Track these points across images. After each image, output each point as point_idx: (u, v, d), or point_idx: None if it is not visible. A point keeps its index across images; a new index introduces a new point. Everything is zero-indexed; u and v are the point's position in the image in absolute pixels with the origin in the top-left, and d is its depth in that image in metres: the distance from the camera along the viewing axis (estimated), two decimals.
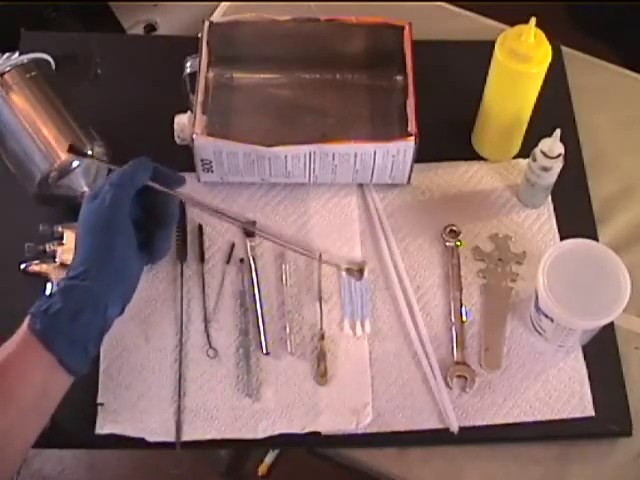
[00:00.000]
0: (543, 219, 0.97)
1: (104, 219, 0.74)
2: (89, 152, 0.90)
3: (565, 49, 1.10)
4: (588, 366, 0.88)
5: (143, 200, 0.79)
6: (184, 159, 0.93)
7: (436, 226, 0.96)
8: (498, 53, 0.89)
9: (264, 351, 0.88)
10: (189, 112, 0.93)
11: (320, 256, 0.93)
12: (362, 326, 0.89)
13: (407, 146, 0.91)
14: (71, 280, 0.72)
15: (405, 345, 0.89)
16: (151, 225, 0.80)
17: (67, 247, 0.89)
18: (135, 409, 0.85)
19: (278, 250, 0.93)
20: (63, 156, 0.89)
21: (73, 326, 0.69)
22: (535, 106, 0.94)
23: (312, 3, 1.10)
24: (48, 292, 0.88)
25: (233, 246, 0.94)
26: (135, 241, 0.77)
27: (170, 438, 0.84)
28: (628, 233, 0.98)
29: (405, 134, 0.91)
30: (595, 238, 0.95)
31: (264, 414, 0.85)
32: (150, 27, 1.63)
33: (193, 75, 0.95)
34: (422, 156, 0.93)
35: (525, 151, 0.98)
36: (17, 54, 0.99)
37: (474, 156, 1.01)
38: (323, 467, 1.03)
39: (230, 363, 0.88)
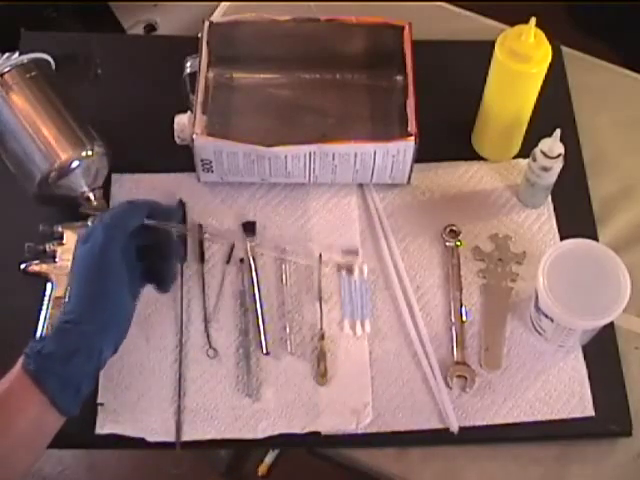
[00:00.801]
0: (543, 219, 0.97)
1: (96, 262, 0.73)
2: (89, 152, 0.90)
3: (565, 49, 1.10)
4: (588, 366, 0.88)
5: (143, 234, 0.78)
6: (184, 159, 0.94)
7: (436, 226, 0.96)
8: (498, 53, 0.89)
9: (264, 351, 0.88)
10: (189, 112, 0.93)
11: (320, 256, 0.93)
12: (362, 326, 0.89)
13: (407, 146, 0.91)
14: (65, 324, 0.72)
15: (405, 345, 0.89)
16: (154, 256, 0.79)
17: (67, 247, 0.89)
18: (135, 409, 0.85)
19: (278, 250, 0.93)
20: (63, 156, 0.89)
21: (66, 368, 0.69)
22: (535, 106, 0.94)
23: (312, 3, 1.10)
24: (47, 297, 0.88)
25: (233, 246, 0.94)
26: (127, 282, 0.75)
27: (170, 438, 0.84)
28: (628, 233, 0.98)
29: (405, 134, 0.91)
30: (595, 238, 0.95)
31: (264, 414, 0.85)
32: (150, 27, 1.63)
33: (193, 75, 0.95)
34: (422, 156, 0.93)
35: (525, 151, 0.98)
36: (17, 54, 0.98)
37: (474, 156, 1.01)
38: (323, 467, 1.03)
39: (230, 363, 0.88)
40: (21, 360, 0.70)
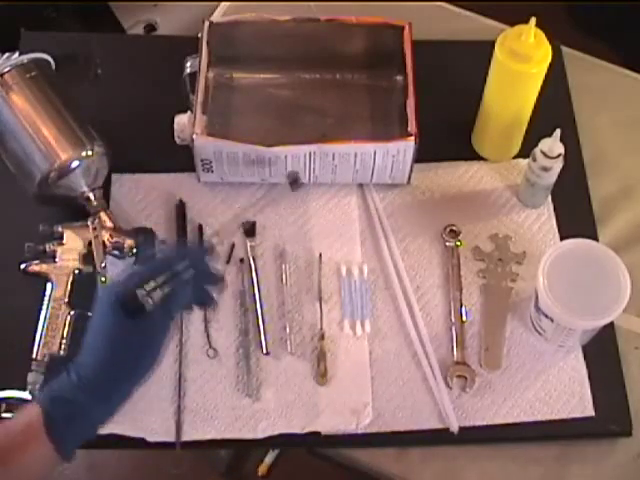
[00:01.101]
0: (543, 219, 0.97)
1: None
2: (89, 152, 0.90)
3: (565, 49, 1.10)
4: (588, 366, 0.88)
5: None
6: (184, 159, 0.94)
7: (436, 226, 0.96)
8: (498, 53, 0.88)
9: (264, 351, 0.88)
10: (189, 112, 0.93)
11: (320, 256, 0.93)
12: (362, 326, 0.89)
13: (407, 146, 0.91)
14: (77, 382, 0.67)
15: (405, 345, 0.89)
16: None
17: (67, 247, 0.89)
18: (135, 409, 0.85)
19: (278, 250, 0.94)
20: (63, 156, 0.89)
21: (70, 427, 0.67)
22: (535, 106, 0.94)
23: (312, 3, 1.10)
24: (47, 297, 0.88)
25: (233, 246, 0.94)
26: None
27: (170, 438, 0.84)
28: (628, 233, 0.98)
29: (405, 134, 0.91)
30: (595, 238, 0.95)
31: (264, 414, 0.85)
32: (150, 27, 1.63)
33: (193, 75, 0.95)
34: (422, 156, 0.93)
35: (525, 151, 0.98)
36: (17, 54, 0.99)
37: (474, 156, 1.01)
38: (323, 467, 1.03)
39: (230, 363, 0.88)
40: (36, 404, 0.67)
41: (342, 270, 0.92)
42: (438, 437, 0.85)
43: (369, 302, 0.91)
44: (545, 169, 0.91)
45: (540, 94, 0.92)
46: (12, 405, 0.83)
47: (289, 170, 0.93)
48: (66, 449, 0.66)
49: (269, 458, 1.52)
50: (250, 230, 0.94)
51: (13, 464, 0.65)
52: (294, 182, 0.93)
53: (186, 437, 0.84)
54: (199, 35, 0.97)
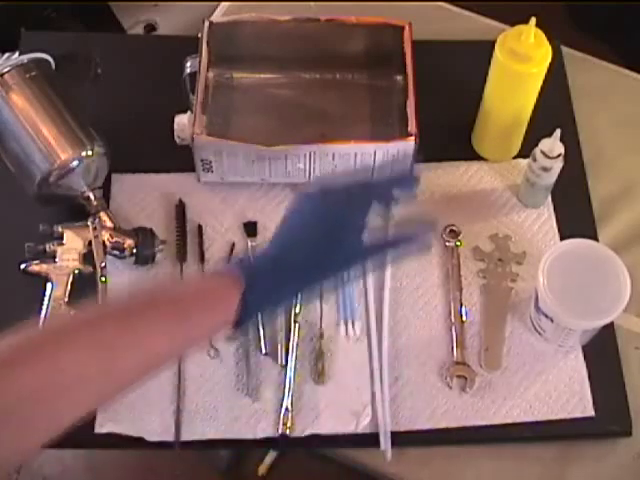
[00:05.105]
0: (543, 219, 0.97)
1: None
2: (89, 152, 0.90)
3: (565, 49, 1.10)
4: (588, 366, 0.88)
5: None
6: (184, 159, 0.94)
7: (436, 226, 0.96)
8: (498, 53, 0.88)
9: (264, 351, 0.88)
10: (189, 112, 0.93)
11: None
12: (360, 326, 0.89)
13: (407, 146, 0.91)
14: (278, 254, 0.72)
15: (404, 345, 0.89)
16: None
17: (67, 247, 0.89)
18: (134, 409, 0.85)
19: None
20: (63, 156, 0.89)
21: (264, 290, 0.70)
22: (535, 106, 0.94)
23: (312, 3, 1.10)
24: (47, 297, 0.88)
25: (233, 246, 0.94)
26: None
27: (169, 438, 0.84)
28: (628, 233, 0.98)
29: (405, 134, 0.91)
30: (595, 238, 0.95)
31: (264, 414, 0.85)
32: (150, 27, 1.63)
33: (193, 75, 0.95)
34: (422, 156, 0.93)
35: (525, 151, 0.98)
36: (17, 54, 0.99)
37: (474, 156, 1.01)
38: (323, 467, 1.03)
39: (230, 363, 0.88)
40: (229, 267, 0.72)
41: None
42: (438, 437, 0.85)
43: (369, 302, 0.91)
44: (545, 169, 0.91)
45: (540, 94, 0.92)
46: None
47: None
48: (245, 319, 0.69)
49: (269, 458, 1.52)
50: (252, 230, 0.94)
51: (191, 321, 0.66)
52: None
53: (185, 437, 0.84)
54: (199, 35, 0.97)
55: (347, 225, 0.73)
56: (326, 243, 0.72)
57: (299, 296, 0.77)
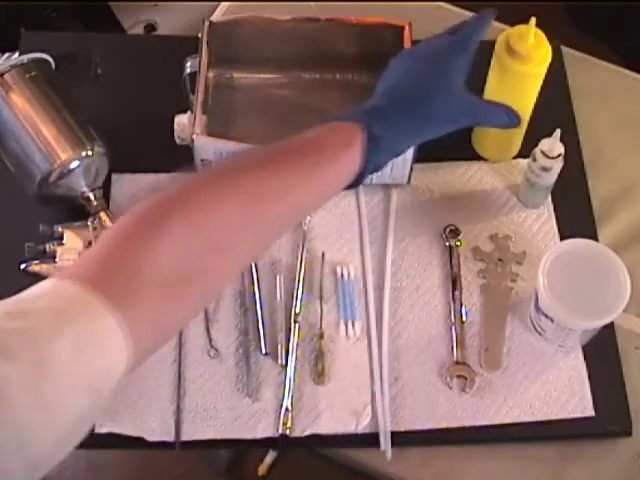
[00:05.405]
0: (543, 219, 0.97)
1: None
2: (89, 152, 0.90)
3: (565, 49, 1.10)
4: (588, 366, 0.88)
5: None
6: (184, 159, 0.93)
7: (436, 226, 0.96)
8: (498, 53, 0.88)
9: (264, 351, 0.88)
10: (189, 112, 0.93)
11: (323, 255, 0.93)
12: (360, 327, 0.89)
13: None
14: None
15: (404, 345, 0.89)
16: None
17: (67, 247, 0.89)
18: (134, 408, 0.85)
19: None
20: (63, 156, 0.89)
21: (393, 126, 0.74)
22: (535, 106, 0.94)
23: (312, 3, 1.10)
24: None
25: None
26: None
27: (169, 438, 0.84)
28: (628, 233, 0.98)
29: None
30: (595, 238, 0.95)
31: (264, 414, 0.85)
32: (150, 27, 1.63)
33: (193, 75, 0.95)
34: (422, 156, 0.93)
35: (525, 151, 0.98)
36: (17, 54, 0.99)
37: (474, 156, 1.01)
38: (323, 467, 1.03)
39: (230, 363, 0.88)
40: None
41: (341, 271, 0.92)
42: (438, 437, 0.85)
43: (369, 302, 0.91)
44: (545, 169, 0.91)
45: (540, 94, 0.92)
46: None
47: None
48: (367, 172, 0.72)
49: (269, 458, 1.52)
50: None
51: (322, 171, 0.69)
52: None
53: (185, 437, 0.84)
54: (199, 35, 0.97)
55: (449, 74, 0.78)
56: (433, 89, 0.76)
57: (413, 144, 0.80)
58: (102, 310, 0.52)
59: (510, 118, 0.83)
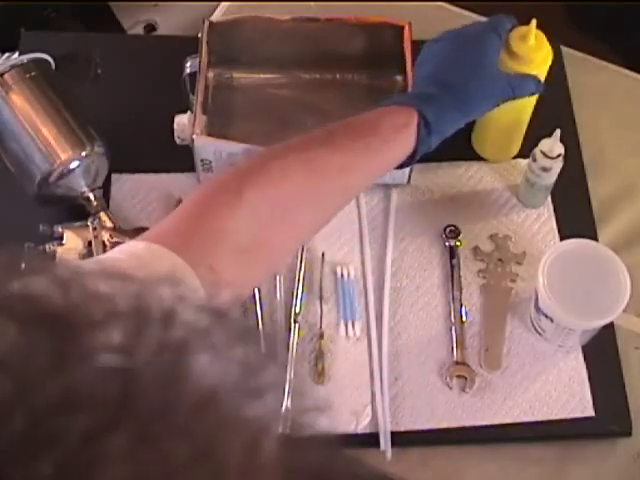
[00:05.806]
0: (543, 219, 0.97)
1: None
2: (89, 152, 0.90)
3: (565, 49, 1.10)
4: (588, 366, 0.88)
5: None
6: (184, 159, 0.93)
7: (436, 226, 0.96)
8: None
9: (263, 351, 0.88)
10: (189, 112, 0.93)
11: (323, 255, 0.93)
12: (360, 327, 0.89)
13: None
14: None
15: (404, 345, 0.89)
16: None
17: (67, 247, 0.89)
18: None
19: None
20: (63, 156, 0.89)
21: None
22: (535, 106, 0.94)
23: (312, 3, 1.10)
24: None
25: None
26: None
27: None
28: (628, 233, 0.98)
29: None
30: (595, 238, 0.95)
31: None
32: (150, 27, 1.62)
33: (193, 75, 0.95)
34: (422, 156, 0.92)
35: (525, 151, 0.97)
36: (17, 54, 0.99)
37: (474, 156, 1.01)
38: None
39: None
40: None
41: (341, 270, 0.92)
42: (438, 437, 0.85)
43: (368, 303, 0.91)
44: (545, 169, 0.91)
45: (540, 94, 0.92)
46: None
47: None
48: (420, 151, 0.77)
49: None
50: None
51: (376, 151, 0.73)
52: None
53: None
54: (199, 35, 0.97)
55: (487, 55, 0.81)
56: (474, 71, 0.80)
57: (460, 126, 0.82)
58: (189, 270, 0.54)
59: (537, 86, 0.86)
